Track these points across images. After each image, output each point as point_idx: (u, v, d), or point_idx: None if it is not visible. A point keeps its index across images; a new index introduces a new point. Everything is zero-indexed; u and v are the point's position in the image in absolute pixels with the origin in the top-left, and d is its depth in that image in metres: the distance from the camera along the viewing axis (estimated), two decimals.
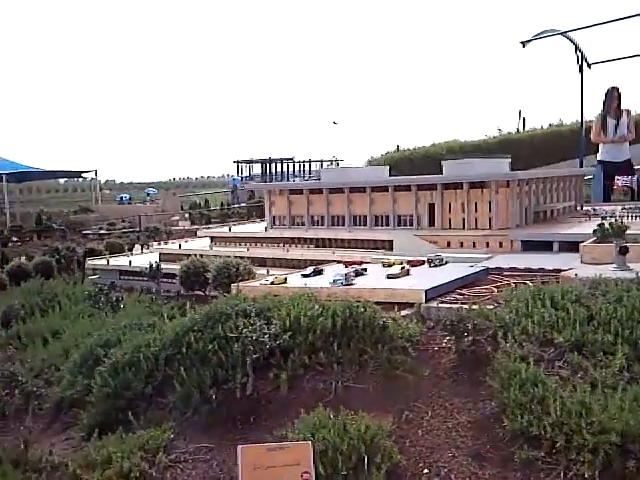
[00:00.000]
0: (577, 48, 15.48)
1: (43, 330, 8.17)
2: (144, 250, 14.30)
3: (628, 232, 7.02)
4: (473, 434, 4.26)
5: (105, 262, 11.57)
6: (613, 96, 12.97)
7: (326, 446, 4.03)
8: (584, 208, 11.01)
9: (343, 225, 10.38)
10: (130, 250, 14.74)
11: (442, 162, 10.03)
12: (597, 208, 10.53)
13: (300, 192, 11.00)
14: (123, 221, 23.58)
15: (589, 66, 15.99)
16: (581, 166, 16.54)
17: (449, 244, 8.77)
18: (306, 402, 4.83)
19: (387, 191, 9.91)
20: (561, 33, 15.13)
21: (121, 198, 34.85)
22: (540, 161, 22.97)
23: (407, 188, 9.71)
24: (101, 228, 22.29)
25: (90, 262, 11.81)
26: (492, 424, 4.28)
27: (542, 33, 15.27)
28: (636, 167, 14.11)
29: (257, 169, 63.77)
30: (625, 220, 8.53)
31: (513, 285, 6.25)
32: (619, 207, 10.12)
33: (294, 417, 4.66)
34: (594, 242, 7.02)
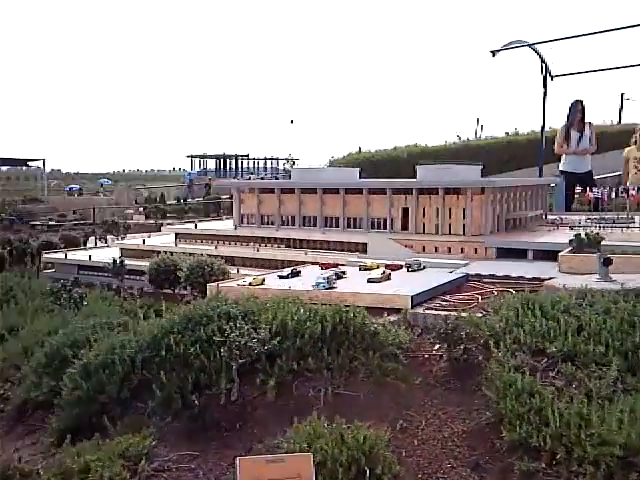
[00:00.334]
0: (542, 60, 15.82)
1: None
2: (100, 244, 13.82)
3: (603, 243, 7.19)
4: (470, 444, 4.21)
5: (63, 256, 11.06)
6: (577, 109, 13.29)
7: (324, 457, 3.89)
8: (550, 217, 11.22)
9: (315, 226, 10.24)
10: (84, 243, 14.20)
11: (417, 166, 10.02)
12: (563, 217, 10.75)
13: (271, 191, 10.80)
14: (74, 213, 22.73)
15: (552, 78, 16.36)
16: (540, 175, 16.91)
17: (424, 249, 8.76)
18: (295, 409, 4.68)
19: (361, 193, 9.84)
20: (529, 45, 15.43)
21: (70, 189, 33.48)
22: (497, 169, 23.41)
23: (382, 191, 9.66)
24: (51, 219, 21.40)
25: (46, 256, 11.26)
26: (489, 434, 4.23)
27: (511, 44, 15.53)
28: (595, 177, 14.57)
29: (211, 164, 62.94)
30: (593, 230, 8.72)
31: (496, 293, 6.25)
32: (583, 217, 10.35)
33: (283, 425, 4.51)
34: (570, 252, 7.12)
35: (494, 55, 15.54)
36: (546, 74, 15.79)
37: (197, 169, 59.42)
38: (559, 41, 15.25)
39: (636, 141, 13.26)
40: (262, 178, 39.26)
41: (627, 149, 13.50)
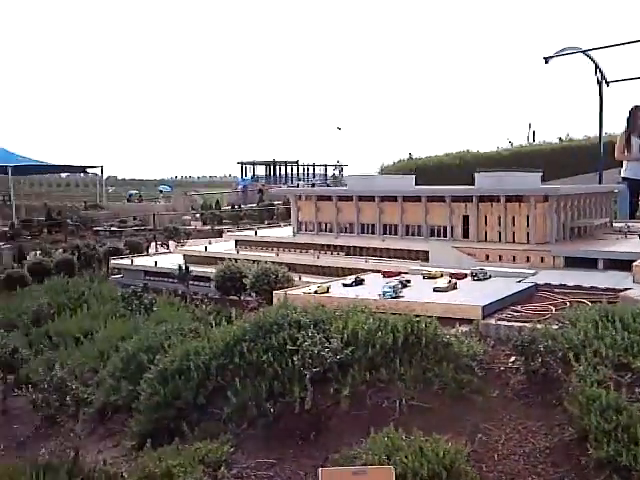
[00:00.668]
0: (597, 66, 15.40)
1: (73, 330, 8.01)
2: (162, 249, 14.17)
3: None
4: (553, 460, 4.12)
5: (129, 262, 11.39)
6: (637, 115, 12.90)
7: (404, 470, 3.88)
8: (616, 225, 10.89)
9: (373, 233, 10.23)
10: (147, 249, 14.60)
11: (475, 174, 9.89)
12: (630, 225, 10.41)
13: (328, 199, 10.85)
14: (134, 219, 23.38)
15: (607, 84, 15.92)
16: (600, 181, 16.46)
17: (487, 257, 8.62)
18: (370, 420, 4.69)
19: (419, 201, 9.77)
20: (582, 51, 15.06)
21: (130, 195, 34.34)
22: (551, 175, 22.86)
23: (441, 199, 9.58)
24: (112, 225, 22.11)
25: (113, 261, 11.63)
26: (573, 451, 4.14)
27: (564, 50, 15.19)
28: None
29: (261, 171, 63.73)
30: None
31: (569, 304, 6.11)
32: None
33: (358, 435, 4.53)
34: None
35: (547, 62, 15.22)
36: (601, 80, 15.36)
37: (248, 175, 60.29)
38: (613, 47, 14.82)
39: None
40: (313, 185, 39.55)
41: None
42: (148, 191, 43.46)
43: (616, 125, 13.32)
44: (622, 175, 13.58)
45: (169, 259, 11.48)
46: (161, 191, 38.78)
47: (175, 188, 41.17)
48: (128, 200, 33.14)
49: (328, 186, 39.18)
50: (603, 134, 18.42)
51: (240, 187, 41.10)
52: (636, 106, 13.05)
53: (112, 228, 20.56)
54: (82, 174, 51.88)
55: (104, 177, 43.44)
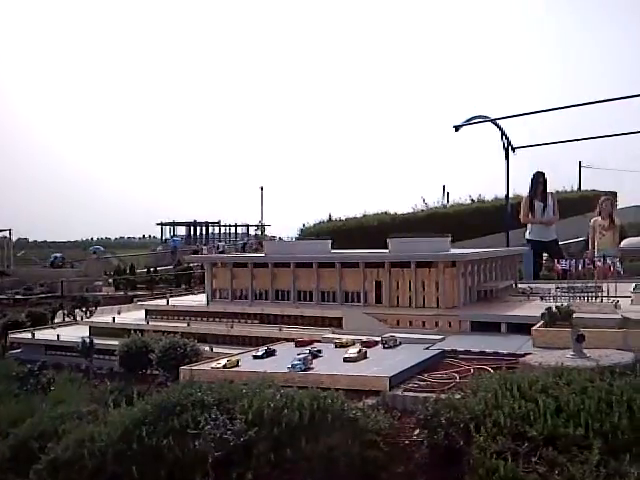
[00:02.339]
0: (503, 133, 16.51)
1: None
2: (68, 319, 13.47)
3: (575, 315, 7.30)
4: None
5: (30, 335, 10.73)
6: (539, 181, 13.85)
7: None
8: (519, 286, 11.40)
9: (288, 300, 10.20)
10: (52, 319, 13.83)
11: (388, 240, 10.15)
12: (533, 287, 10.93)
13: (244, 265, 10.79)
14: (42, 285, 22.24)
15: (514, 150, 17.05)
16: (508, 243, 17.33)
17: (398, 322, 8.76)
18: None
19: (334, 267, 9.89)
20: (490, 120, 16.13)
21: (55, 258, 32.17)
22: (465, 235, 23.90)
23: (354, 264, 9.73)
24: (17, 293, 20.90)
25: (12, 336, 10.92)
26: None
27: (472, 119, 16.23)
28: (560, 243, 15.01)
29: (181, 231, 62.95)
30: (562, 301, 8.88)
31: (473, 371, 6.24)
32: (553, 286, 10.53)
33: None
34: (543, 325, 7.20)
35: (457, 130, 16.19)
36: (508, 146, 16.44)
37: (168, 236, 59.28)
38: (518, 116, 15.99)
39: (600, 211, 13.83)
40: (244, 244, 39.33)
41: (593, 219, 14.10)
42: (72, 254, 41.36)
43: (526, 186, 14.20)
44: (527, 237, 14.40)
45: (74, 331, 10.91)
46: (94, 252, 36.99)
47: (88, 251, 39.55)
48: (52, 264, 31.16)
49: (244, 246, 39.20)
50: (512, 195, 19.58)
51: (170, 246, 40.33)
52: (538, 172, 14.01)
53: (16, 296, 19.43)
54: None
55: (13, 240, 41.45)
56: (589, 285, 9.70)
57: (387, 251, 10.00)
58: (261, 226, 56.70)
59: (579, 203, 28.94)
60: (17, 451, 5.75)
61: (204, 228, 61.70)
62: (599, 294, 9.17)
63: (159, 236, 62.97)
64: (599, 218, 14.03)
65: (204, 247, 41.09)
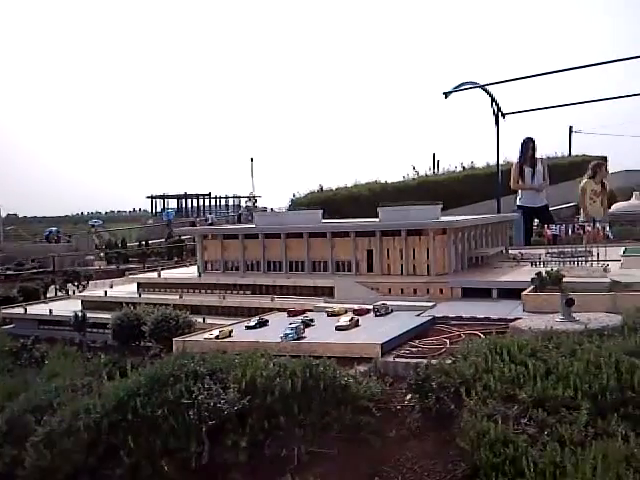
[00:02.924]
0: (493, 100, 16.39)
1: None
2: (60, 294, 13.47)
3: (564, 280, 7.35)
4: None
5: (22, 310, 10.72)
6: (528, 146, 13.78)
7: None
8: (510, 252, 11.45)
9: (280, 270, 10.21)
10: (44, 294, 13.82)
11: (378, 208, 10.13)
12: (523, 252, 10.98)
13: (235, 237, 10.76)
14: (33, 261, 22.14)
15: (504, 116, 16.95)
16: (499, 209, 17.35)
17: (390, 290, 8.80)
18: (269, 470, 4.60)
19: (325, 236, 9.88)
20: (479, 86, 15.99)
21: (49, 232, 31.64)
22: (456, 202, 23.87)
23: (345, 234, 9.73)
24: (8, 269, 20.81)
25: (5, 311, 10.91)
26: None
27: (462, 85, 16.08)
28: (551, 209, 15.05)
29: (172, 204, 62.54)
30: (552, 265, 8.94)
31: (463, 336, 6.30)
32: (543, 251, 10.57)
33: None
34: (533, 290, 7.26)
35: (447, 96, 16.04)
36: (498, 112, 16.34)
37: (158, 209, 58.96)
38: (508, 82, 15.86)
39: (592, 175, 13.79)
40: (239, 215, 39.18)
41: (583, 181, 13.99)
42: (68, 228, 40.81)
43: (516, 152, 14.13)
44: (517, 203, 14.40)
45: (67, 305, 10.92)
46: (93, 225, 36.54)
47: (79, 225, 39.19)
48: (46, 238, 30.74)
49: (239, 217, 39.11)
50: (502, 162, 19.53)
51: (165, 219, 40.13)
52: (528, 138, 13.93)
53: (8, 272, 19.35)
54: None
55: (2, 215, 41.14)
56: (579, 250, 9.76)
57: (378, 220, 9.99)
58: (252, 197, 56.47)
59: (569, 168, 28.87)
60: (13, 424, 5.78)
61: (195, 200, 61.38)
62: (589, 258, 9.24)
63: (149, 209, 62.56)
64: (591, 182, 13.97)
65: (207, 217, 40.96)
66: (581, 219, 13.62)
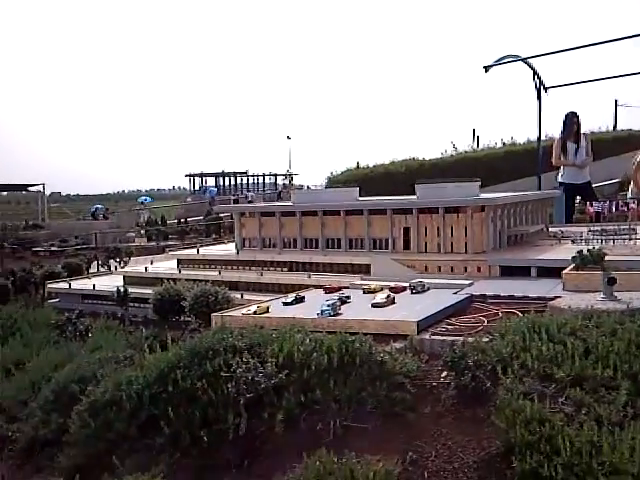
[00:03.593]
0: (535, 73, 15.92)
1: (5, 360, 7.72)
2: (102, 269, 13.82)
3: (606, 258, 7.18)
4: (481, 475, 4.18)
5: (67, 285, 11.06)
6: (572, 121, 13.37)
7: None
8: (551, 230, 11.22)
9: (316, 248, 10.26)
10: (87, 270, 14.20)
11: (415, 185, 10.04)
12: (564, 230, 10.75)
13: (272, 214, 10.83)
14: (76, 237, 22.75)
15: (546, 90, 16.46)
16: (539, 186, 16.96)
17: (427, 268, 8.75)
18: (304, 443, 4.66)
19: (361, 214, 9.86)
20: (521, 59, 15.55)
21: (96, 209, 32.32)
22: (496, 179, 23.43)
23: (382, 211, 9.68)
24: (52, 245, 21.44)
25: (50, 286, 11.27)
26: (499, 464, 4.21)
27: (503, 58, 15.66)
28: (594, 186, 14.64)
29: (210, 182, 63.09)
30: (594, 244, 8.74)
31: (501, 315, 6.24)
32: (585, 229, 10.33)
33: (292, 460, 4.50)
34: (574, 269, 7.12)
35: (487, 70, 15.64)
36: (540, 86, 15.88)
37: (197, 187, 59.63)
38: (551, 55, 15.37)
39: None
40: (280, 193, 39.35)
41: (638, 156, 13.30)
42: (110, 206, 41.61)
43: (558, 128, 13.73)
44: (559, 180, 14.05)
45: (109, 280, 11.22)
46: (142, 202, 37.22)
47: (119, 203, 39.91)
48: (92, 216, 31.44)
49: (279, 194, 39.27)
50: (544, 137, 19.03)
51: (208, 197, 40.66)
52: (571, 112, 13.52)
53: (52, 248, 19.93)
54: (24, 192, 50.32)
55: (47, 194, 42.24)
56: (622, 227, 9.51)
57: (415, 197, 9.91)
58: (289, 175, 56.57)
59: (614, 144, 27.98)
60: (59, 394, 6.02)
61: (232, 178, 61.79)
62: (632, 236, 9.00)
63: (188, 187, 63.27)
64: None
65: (246, 195, 41.28)
66: (629, 195, 13.18)
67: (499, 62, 15.78)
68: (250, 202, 30.22)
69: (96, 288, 10.56)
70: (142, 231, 23.87)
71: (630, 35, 14.09)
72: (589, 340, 4.95)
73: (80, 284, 11.17)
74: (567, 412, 4.36)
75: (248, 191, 52.12)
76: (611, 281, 5.87)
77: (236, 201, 34.87)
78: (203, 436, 4.90)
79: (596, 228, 10.00)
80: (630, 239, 8.92)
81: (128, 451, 5.13)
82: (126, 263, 13.50)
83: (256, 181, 64.43)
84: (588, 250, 7.27)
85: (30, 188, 42.73)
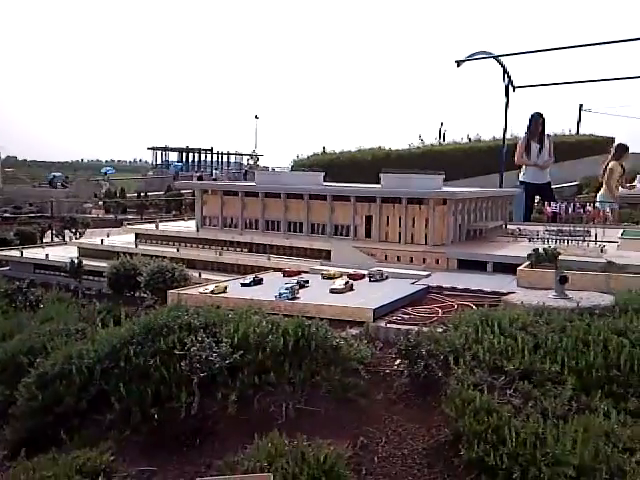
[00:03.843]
0: (505, 71, 16.15)
1: None
2: (57, 240, 13.48)
3: (560, 257, 7.39)
4: (429, 462, 4.27)
5: (18, 253, 10.75)
6: (537, 122, 13.60)
7: (285, 476, 3.90)
8: (509, 227, 11.46)
9: (278, 230, 10.23)
10: (41, 239, 13.85)
11: (380, 174, 10.10)
12: (522, 228, 10.99)
13: (235, 194, 10.73)
14: (31, 205, 22.10)
15: (514, 89, 16.73)
16: (501, 184, 17.28)
17: (386, 257, 8.84)
18: (256, 424, 4.67)
19: (325, 199, 9.86)
20: (493, 56, 15.73)
21: (53, 177, 31.28)
22: (459, 174, 23.77)
23: (346, 198, 9.71)
24: (6, 211, 20.80)
25: (1, 253, 10.94)
26: (447, 452, 4.30)
27: (476, 54, 15.81)
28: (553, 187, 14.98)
29: (173, 157, 62.07)
30: (550, 243, 8.97)
31: (456, 307, 6.36)
32: (541, 228, 10.58)
33: (244, 440, 4.50)
34: (529, 266, 7.29)
35: (459, 65, 15.80)
36: (508, 85, 16.12)
37: (159, 161, 58.60)
38: (522, 55, 15.60)
39: (617, 157, 13.65)
40: (212, 176, 38.93)
41: (611, 163, 13.79)
42: (68, 174, 40.40)
43: (522, 128, 13.98)
44: (520, 179, 14.30)
45: (63, 251, 10.95)
46: (105, 173, 36.21)
47: (77, 172, 38.91)
48: (50, 184, 30.49)
49: (245, 174, 38.95)
50: (509, 137, 19.33)
51: (172, 171, 40.01)
52: (537, 113, 13.75)
53: (5, 215, 19.32)
54: None
55: (1, 157, 40.86)
56: (577, 229, 9.77)
57: (379, 186, 9.96)
58: (255, 156, 56.11)
59: (575, 147, 28.73)
60: (6, 365, 5.86)
61: (197, 155, 60.92)
62: (586, 238, 9.26)
63: (150, 160, 62.14)
64: (617, 163, 13.81)
65: (212, 172, 40.77)
66: (598, 199, 13.54)
67: (471, 57, 15.94)
68: (215, 180, 29.88)
69: (49, 258, 10.31)
70: (100, 202, 23.36)
71: (596, 42, 14.41)
72: (539, 335, 5.09)
73: (33, 253, 10.88)
74: (515, 404, 4.48)
75: (215, 169, 51.52)
76: (563, 279, 6.04)
77: (200, 178, 34.50)
78: (154, 414, 4.84)
79: (552, 228, 10.24)
80: (584, 240, 9.17)
81: (77, 426, 5.05)
82: (82, 234, 13.20)
83: (221, 159, 63.78)
84: (544, 249, 7.46)
85: None
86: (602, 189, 13.99)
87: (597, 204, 9.83)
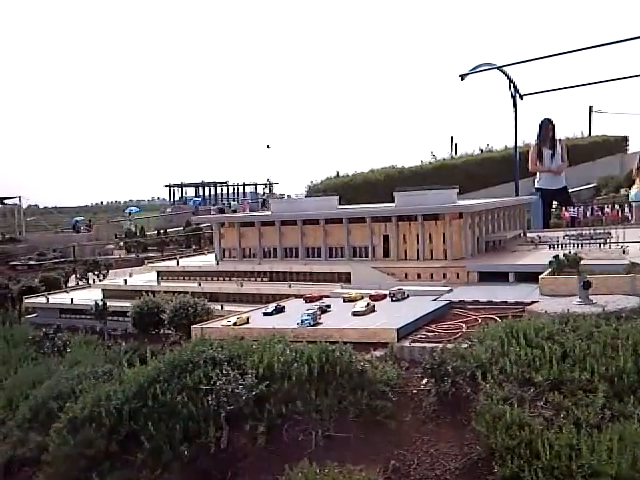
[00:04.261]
0: (511, 81, 16.16)
1: None
2: (81, 283, 13.65)
3: (582, 262, 7.28)
4: None
5: (44, 300, 10.91)
6: (547, 128, 13.56)
7: None
8: (528, 235, 11.35)
9: (296, 257, 10.25)
10: (65, 284, 14.02)
11: (394, 193, 10.10)
12: (541, 235, 10.88)
13: (251, 224, 10.81)
14: (54, 251, 22.46)
15: (521, 97, 16.71)
16: (517, 192, 17.17)
17: (406, 275, 8.79)
18: (286, 454, 4.66)
19: (341, 222, 9.89)
20: (496, 67, 15.77)
21: (76, 222, 32.11)
22: (474, 186, 23.66)
23: (361, 220, 9.72)
24: (30, 259, 21.15)
25: (28, 301, 11.11)
26: (481, 469, 4.24)
27: (479, 67, 15.86)
28: (570, 190, 14.85)
29: (190, 192, 62.79)
30: (570, 248, 8.86)
31: (480, 320, 6.29)
32: (561, 234, 10.47)
33: (275, 471, 4.49)
34: (551, 274, 7.20)
35: (463, 79, 15.85)
36: (515, 94, 16.11)
37: (177, 198, 59.30)
38: (526, 63, 15.61)
39: None
40: (231, 207, 39.32)
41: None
42: (88, 218, 41.06)
43: (534, 134, 13.93)
44: (536, 186, 14.22)
45: (87, 294, 11.09)
46: (130, 213, 36.95)
47: (97, 214, 39.60)
48: (73, 228, 31.19)
49: (264, 203, 39.29)
50: (521, 144, 19.28)
51: (192, 207, 40.56)
52: (546, 119, 13.71)
53: (30, 262, 19.66)
54: (0, 205, 49.50)
55: (23, 206, 41.65)
56: (598, 232, 9.65)
57: (394, 205, 9.97)
58: (269, 184, 56.55)
59: (589, 149, 28.48)
60: (37, 411, 5.93)
61: (212, 188, 61.55)
62: (608, 240, 9.14)
63: (167, 198, 62.89)
64: None
65: (230, 204, 41.22)
66: (632, 197, 13.37)
67: (475, 70, 15.99)
68: (234, 211, 30.17)
69: (74, 302, 10.44)
70: (121, 243, 23.66)
71: (600, 44, 14.37)
72: (566, 344, 5.01)
73: (58, 298, 11.02)
74: (546, 416, 4.41)
75: (233, 200, 51.99)
76: (586, 285, 5.96)
77: (222, 211, 34.84)
78: (184, 450, 4.86)
79: (572, 233, 10.14)
80: (605, 243, 9.05)
81: (109, 468, 5.07)
82: (105, 276, 13.34)
83: (236, 190, 64.34)
84: (564, 255, 7.36)
85: (6, 201, 42.11)
86: (635, 186, 13.72)
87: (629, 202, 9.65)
